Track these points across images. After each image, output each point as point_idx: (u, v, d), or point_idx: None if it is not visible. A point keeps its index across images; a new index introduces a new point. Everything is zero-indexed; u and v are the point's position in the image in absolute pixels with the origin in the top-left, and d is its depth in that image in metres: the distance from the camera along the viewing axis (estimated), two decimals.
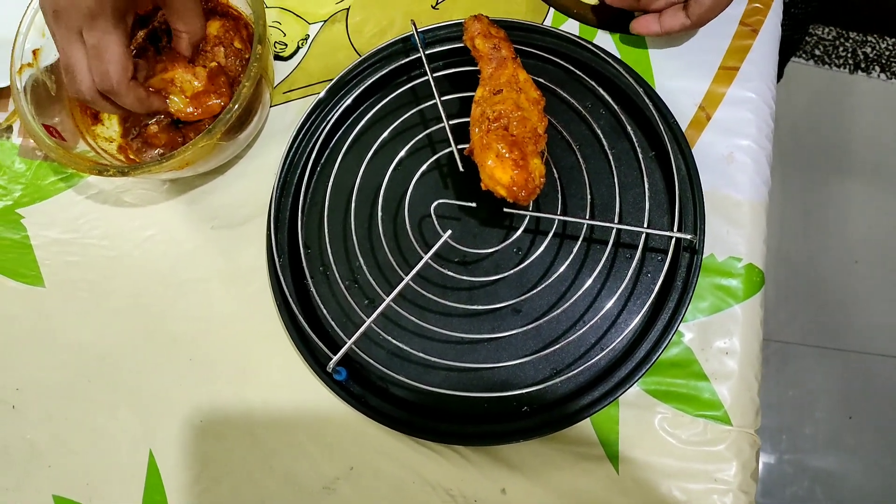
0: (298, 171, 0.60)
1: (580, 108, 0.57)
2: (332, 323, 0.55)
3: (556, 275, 0.54)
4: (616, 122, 0.58)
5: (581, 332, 0.53)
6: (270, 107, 0.64)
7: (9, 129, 0.68)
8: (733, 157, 0.57)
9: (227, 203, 0.63)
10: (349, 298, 0.55)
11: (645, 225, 0.53)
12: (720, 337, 0.54)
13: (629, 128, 0.57)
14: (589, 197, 0.55)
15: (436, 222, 0.54)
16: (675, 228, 0.53)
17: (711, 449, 0.52)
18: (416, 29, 0.58)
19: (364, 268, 0.56)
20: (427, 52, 0.58)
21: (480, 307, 0.55)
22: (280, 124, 0.64)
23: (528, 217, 0.55)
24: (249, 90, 0.54)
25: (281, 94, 0.65)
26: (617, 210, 0.55)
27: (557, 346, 0.52)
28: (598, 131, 0.57)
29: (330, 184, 0.58)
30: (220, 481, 0.56)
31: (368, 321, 0.52)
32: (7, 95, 0.69)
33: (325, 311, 0.56)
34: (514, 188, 0.49)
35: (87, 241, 0.64)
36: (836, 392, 1.31)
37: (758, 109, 0.58)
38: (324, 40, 0.66)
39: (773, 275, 1.33)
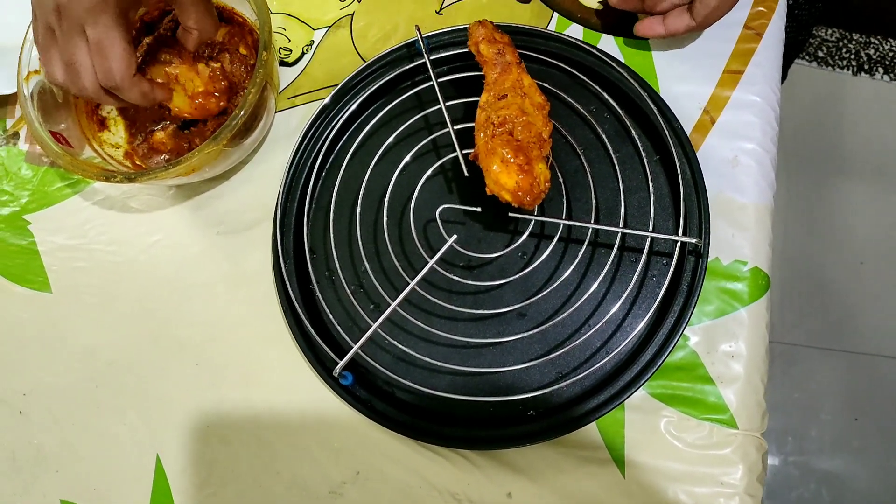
0: (304, 177, 0.61)
1: (584, 112, 0.57)
2: (338, 328, 0.55)
3: (561, 279, 0.54)
4: (620, 126, 0.58)
5: (586, 335, 0.53)
6: (275, 112, 0.65)
7: (15, 135, 0.68)
8: (738, 160, 0.57)
9: (233, 208, 0.63)
10: (355, 303, 0.55)
11: (650, 229, 0.53)
12: (726, 340, 0.54)
13: (633, 132, 0.57)
14: (594, 201, 0.55)
15: (441, 227, 0.54)
16: (680, 232, 0.53)
17: (717, 452, 0.52)
18: (420, 34, 0.58)
19: (370, 272, 0.56)
20: (431, 58, 0.58)
21: (486, 311, 0.55)
22: (285, 129, 0.65)
23: (533, 221, 0.55)
24: (255, 96, 0.54)
25: (286, 100, 0.66)
26: (622, 214, 0.55)
27: (563, 350, 0.52)
28: (603, 135, 0.57)
29: (335, 189, 0.58)
30: (227, 486, 0.57)
31: (374, 326, 0.52)
32: (14, 102, 0.69)
33: (330, 316, 0.56)
34: (519, 193, 0.49)
35: (93, 247, 0.64)
36: (842, 394, 1.30)
37: (762, 113, 0.58)
38: (328, 46, 0.67)
39: (778, 276, 1.32)
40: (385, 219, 0.57)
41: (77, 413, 0.60)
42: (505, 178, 0.49)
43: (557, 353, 0.52)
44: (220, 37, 0.61)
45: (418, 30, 0.58)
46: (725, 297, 0.55)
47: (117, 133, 0.63)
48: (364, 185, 0.57)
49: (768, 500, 1.25)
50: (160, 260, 0.63)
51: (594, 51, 0.59)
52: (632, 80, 0.57)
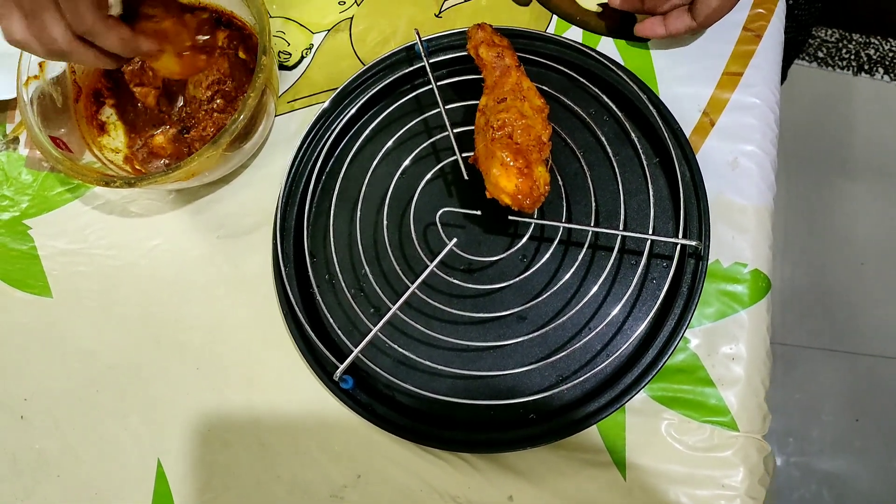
0: (304, 180, 0.61)
1: (584, 115, 0.57)
2: (339, 331, 0.55)
3: (561, 282, 0.54)
4: (620, 128, 0.58)
5: (587, 338, 0.53)
6: (275, 116, 0.65)
7: (15, 140, 0.69)
8: (737, 162, 0.57)
9: (233, 212, 0.63)
10: (355, 307, 0.55)
11: (650, 231, 0.53)
12: (726, 342, 0.54)
13: (633, 134, 0.57)
14: (593, 204, 0.55)
15: (441, 230, 0.54)
16: (680, 235, 0.53)
17: (718, 455, 0.52)
18: (419, 37, 0.58)
19: (370, 276, 0.56)
20: (431, 61, 0.58)
21: (486, 315, 0.55)
22: (285, 133, 0.65)
23: (532, 224, 0.55)
24: (255, 100, 0.54)
25: (286, 104, 0.66)
26: (622, 217, 0.55)
27: (563, 353, 0.52)
28: (602, 138, 0.57)
29: (335, 192, 0.58)
30: (228, 489, 0.57)
31: (375, 329, 0.52)
32: (14, 107, 0.69)
33: (331, 320, 0.56)
34: (519, 196, 0.49)
35: (93, 252, 0.64)
36: (844, 395, 1.30)
37: (762, 115, 0.58)
38: (328, 49, 0.67)
39: (779, 277, 1.33)
40: (385, 222, 0.57)
41: (78, 417, 0.60)
42: (504, 181, 0.49)
43: (558, 356, 0.52)
44: (220, 41, 0.61)
45: (418, 33, 0.58)
46: (726, 299, 0.55)
47: (117, 138, 0.63)
48: (364, 188, 0.57)
49: (769, 500, 1.24)
50: (160, 264, 0.63)
51: (593, 53, 0.59)
52: (631, 83, 0.57)
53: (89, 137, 0.61)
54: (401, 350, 0.53)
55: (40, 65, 0.59)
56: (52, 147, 0.56)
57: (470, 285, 0.55)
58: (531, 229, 0.55)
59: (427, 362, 0.53)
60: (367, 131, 0.61)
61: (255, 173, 0.64)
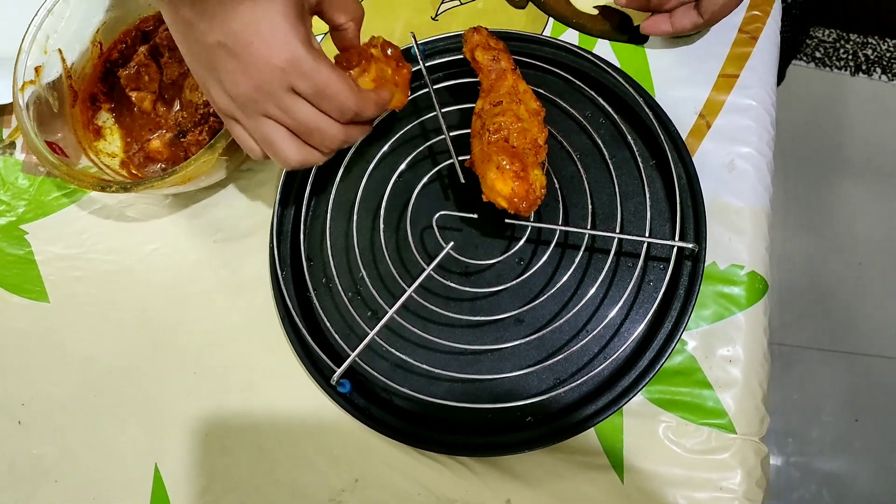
0: (300, 184, 0.61)
1: (580, 118, 0.57)
2: (336, 335, 0.55)
3: (558, 285, 0.54)
4: (616, 131, 0.58)
5: (584, 341, 0.53)
6: None
7: (12, 145, 0.69)
8: (734, 164, 0.57)
9: (230, 216, 0.63)
10: (352, 311, 0.55)
11: (647, 234, 0.53)
12: (723, 345, 0.54)
13: (629, 137, 0.57)
14: (590, 206, 0.55)
15: (438, 234, 0.54)
16: (677, 237, 0.53)
17: (716, 457, 0.52)
18: (415, 41, 0.58)
19: (367, 280, 0.56)
20: (427, 64, 0.58)
21: (483, 318, 0.55)
22: None
23: (529, 227, 0.55)
24: None
25: None
26: (618, 219, 0.55)
27: (561, 356, 0.52)
28: (599, 141, 0.57)
29: (332, 196, 0.58)
30: (226, 493, 0.57)
31: (372, 333, 0.52)
32: (10, 112, 0.69)
33: (328, 324, 0.56)
34: (516, 199, 0.49)
35: (90, 256, 0.64)
36: (842, 395, 1.30)
37: (758, 117, 0.58)
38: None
39: (776, 278, 1.33)
40: (382, 226, 0.57)
41: (76, 422, 0.60)
42: (501, 184, 0.49)
43: (555, 358, 0.52)
44: None
45: (413, 36, 0.58)
46: (723, 301, 0.55)
47: (113, 142, 0.63)
48: (360, 192, 0.57)
49: (769, 501, 1.24)
50: (158, 268, 0.63)
51: (589, 56, 0.59)
52: (627, 86, 0.57)
53: (86, 142, 0.61)
54: (398, 354, 0.53)
55: (36, 69, 0.59)
56: (49, 152, 0.56)
57: (467, 288, 0.55)
58: (528, 232, 0.55)
59: (424, 366, 0.53)
60: None
61: (251, 177, 0.64)
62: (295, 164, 0.46)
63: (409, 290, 0.53)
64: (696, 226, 0.54)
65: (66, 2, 0.59)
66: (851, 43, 1.52)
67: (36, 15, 0.59)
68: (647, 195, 0.54)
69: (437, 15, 0.66)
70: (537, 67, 0.59)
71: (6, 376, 0.62)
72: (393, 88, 0.50)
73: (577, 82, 0.58)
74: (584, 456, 0.53)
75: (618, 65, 0.61)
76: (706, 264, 0.54)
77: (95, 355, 0.61)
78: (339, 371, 0.52)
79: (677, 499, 0.51)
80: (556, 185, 0.57)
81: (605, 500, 0.52)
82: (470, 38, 0.54)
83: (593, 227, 0.55)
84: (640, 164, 0.56)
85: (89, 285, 0.63)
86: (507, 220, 0.53)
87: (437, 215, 0.55)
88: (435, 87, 0.57)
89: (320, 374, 0.55)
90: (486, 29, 0.55)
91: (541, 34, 0.62)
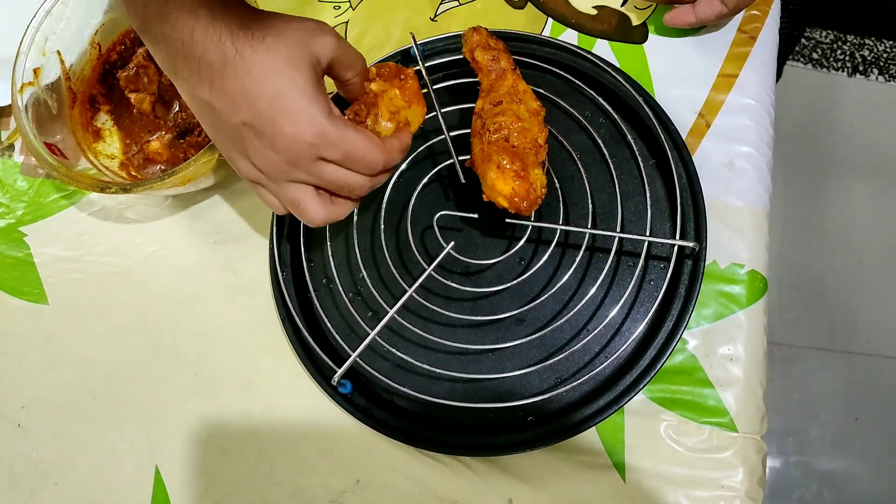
0: None
1: (580, 117, 0.57)
2: (337, 336, 0.55)
3: (559, 284, 0.54)
4: (616, 130, 0.58)
5: (585, 340, 0.53)
6: None
7: (11, 147, 0.68)
8: (734, 164, 0.57)
9: (230, 217, 0.63)
10: (353, 311, 0.55)
11: (647, 233, 0.53)
12: (724, 343, 0.54)
13: (629, 136, 0.57)
14: (590, 206, 0.55)
15: (438, 234, 0.54)
16: (678, 236, 0.53)
17: (717, 456, 0.52)
18: (415, 41, 0.58)
19: (367, 280, 0.56)
20: (426, 65, 0.58)
21: (484, 318, 0.55)
22: None
23: (530, 227, 0.55)
24: None
25: None
26: (619, 219, 0.55)
27: (562, 356, 0.52)
28: (599, 140, 0.57)
29: None
30: (227, 496, 0.56)
31: (372, 333, 0.52)
32: (9, 114, 0.69)
33: (329, 324, 0.56)
34: (516, 199, 0.49)
35: (90, 258, 0.64)
36: (842, 394, 1.30)
37: (757, 116, 0.58)
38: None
39: (776, 278, 1.33)
40: (382, 226, 0.57)
41: (75, 425, 0.60)
42: (501, 184, 0.49)
43: (556, 358, 0.52)
44: None
45: (413, 37, 0.58)
46: (723, 300, 0.55)
47: (112, 144, 0.63)
48: None
49: (770, 502, 1.24)
50: (157, 270, 0.63)
51: (589, 56, 0.59)
52: (627, 85, 0.57)
53: (85, 144, 0.61)
54: (399, 354, 0.53)
55: (35, 71, 0.59)
56: (48, 154, 0.56)
57: (468, 288, 0.55)
58: (528, 232, 0.55)
59: (425, 366, 0.53)
60: None
61: None
62: (319, 224, 0.47)
63: (410, 291, 0.53)
64: (697, 224, 0.54)
65: (65, 3, 0.59)
66: (848, 44, 1.52)
67: (34, 17, 0.59)
68: (648, 194, 0.54)
69: (435, 15, 0.66)
70: (537, 67, 0.59)
71: (5, 379, 0.62)
72: (407, 112, 0.50)
73: (577, 82, 0.58)
74: (586, 455, 0.53)
75: (617, 64, 0.61)
76: (706, 263, 0.54)
77: (95, 357, 0.61)
78: (339, 371, 0.52)
79: (679, 497, 0.51)
80: (557, 185, 0.57)
81: (607, 500, 0.52)
82: (469, 38, 0.55)
83: (594, 227, 0.55)
84: (641, 164, 0.56)
85: (89, 287, 0.63)
86: (507, 220, 0.53)
87: (438, 215, 0.55)
88: (434, 87, 0.57)
89: (321, 374, 0.55)
90: (486, 29, 0.55)
91: (540, 34, 0.62)
